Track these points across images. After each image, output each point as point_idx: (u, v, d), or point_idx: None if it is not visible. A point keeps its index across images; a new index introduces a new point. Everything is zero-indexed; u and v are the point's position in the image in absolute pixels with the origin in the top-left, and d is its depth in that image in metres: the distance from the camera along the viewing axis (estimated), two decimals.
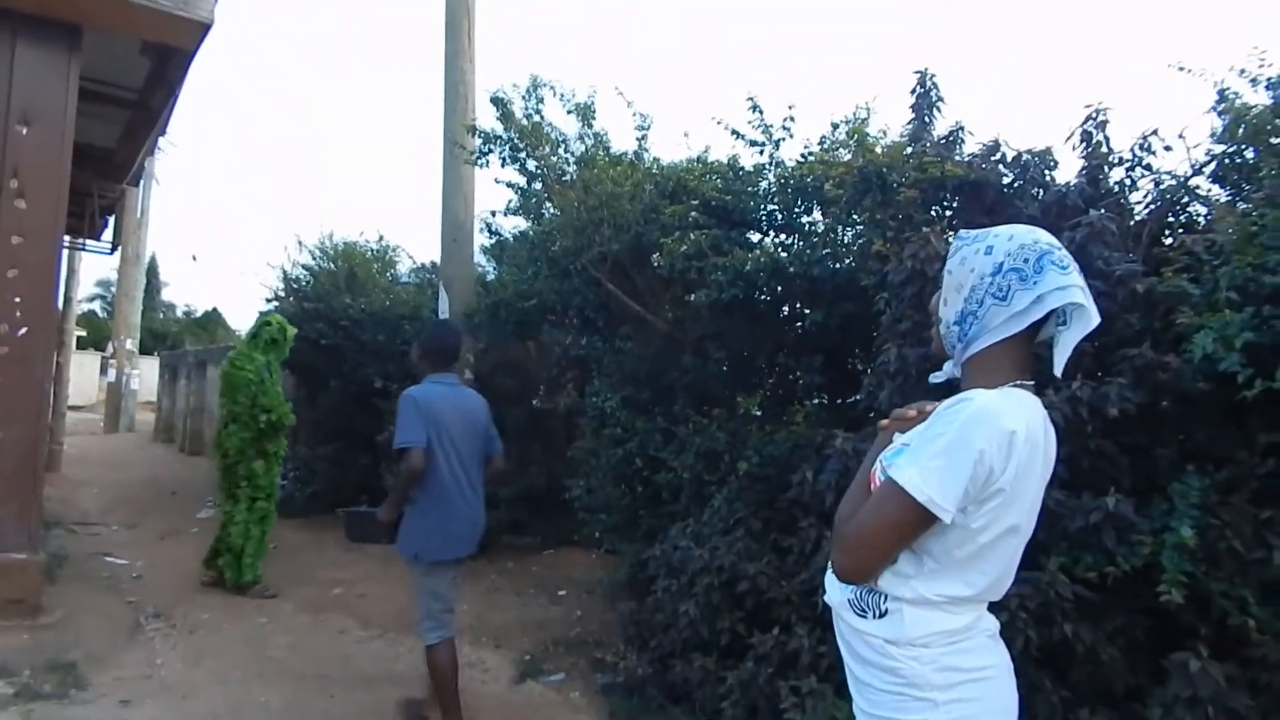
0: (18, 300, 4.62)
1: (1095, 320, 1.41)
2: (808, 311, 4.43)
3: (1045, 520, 2.77)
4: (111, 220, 10.07)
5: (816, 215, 4.69)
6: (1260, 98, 3.35)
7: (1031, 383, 1.43)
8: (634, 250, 4.91)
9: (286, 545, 7.03)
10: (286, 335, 5.93)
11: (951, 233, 3.77)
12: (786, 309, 4.75)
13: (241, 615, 5.01)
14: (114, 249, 10.73)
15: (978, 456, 1.29)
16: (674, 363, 4.94)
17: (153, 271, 37.39)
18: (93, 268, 48.92)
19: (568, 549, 6.62)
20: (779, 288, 4.42)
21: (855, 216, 4.19)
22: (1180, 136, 3.41)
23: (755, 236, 4.83)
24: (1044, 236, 1.42)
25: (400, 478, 3.45)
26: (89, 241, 10.17)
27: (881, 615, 1.40)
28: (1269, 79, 3.33)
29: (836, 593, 1.51)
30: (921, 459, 1.33)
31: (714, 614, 3.66)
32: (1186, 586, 2.47)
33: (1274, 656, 2.42)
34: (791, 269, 4.14)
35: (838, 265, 4.21)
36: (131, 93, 6.18)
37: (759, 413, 4.90)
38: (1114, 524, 2.66)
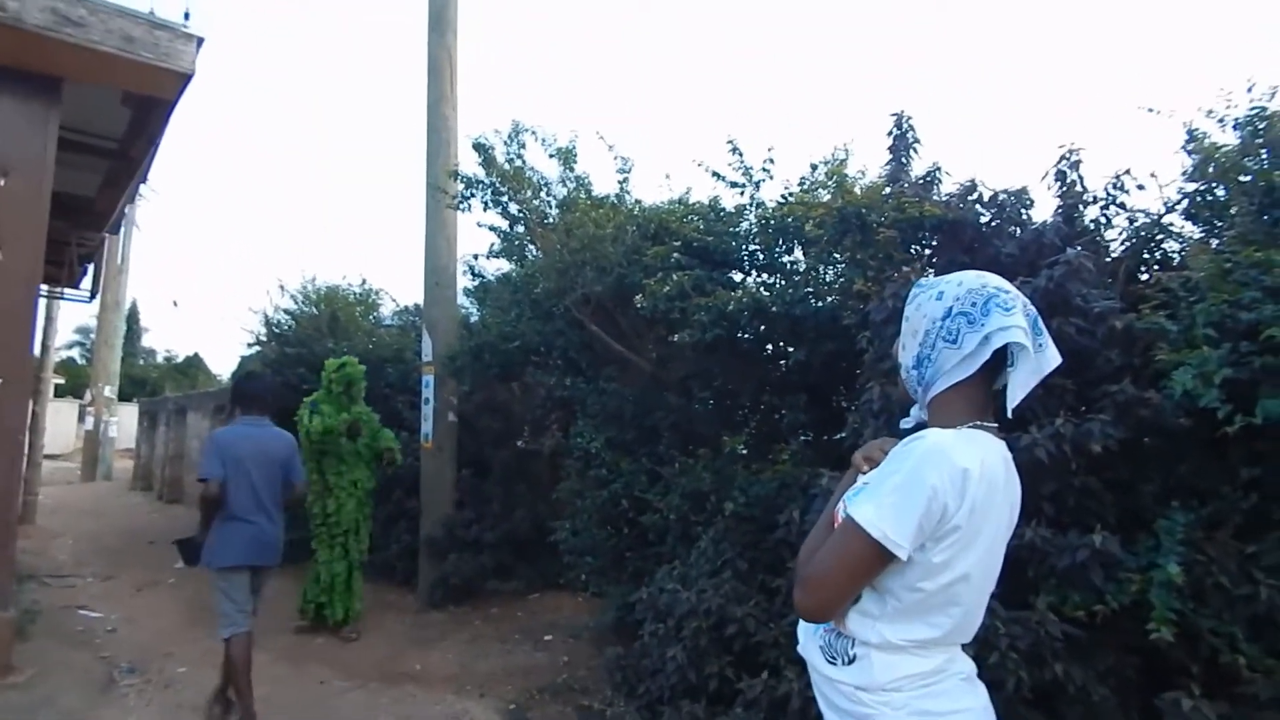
0: None
1: (1054, 362, 1.45)
2: (791, 350, 4.45)
3: (1032, 559, 2.79)
4: (91, 268, 10.00)
5: (798, 255, 4.73)
6: (1228, 137, 3.44)
7: (994, 425, 1.45)
8: (617, 291, 4.92)
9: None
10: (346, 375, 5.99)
11: (931, 271, 3.82)
12: (770, 348, 4.77)
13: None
14: (93, 297, 10.64)
15: (931, 494, 1.31)
16: (658, 403, 4.93)
17: (133, 318, 37.16)
18: (72, 314, 48.56)
19: (553, 593, 6.51)
20: (762, 327, 4.43)
21: (836, 256, 4.23)
22: (1152, 175, 3.49)
23: (737, 276, 4.86)
24: (992, 281, 1.46)
25: (200, 503, 4.17)
26: (67, 290, 10.08)
27: (850, 661, 1.41)
28: (1236, 119, 3.41)
29: (808, 642, 1.52)
30: (877, 497, 1.36)
31: (702, 658, 3.60)
32: (1176, 624, 2.46)
33: (1265, 694, 2.40)
34: (774, 308, 4.16)
35: (820, 304, 4.23)
36: (112, 142, 6.17)
37: (744, 452, 4.88)
38: (1101, 561, 2.66)
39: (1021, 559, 2.83)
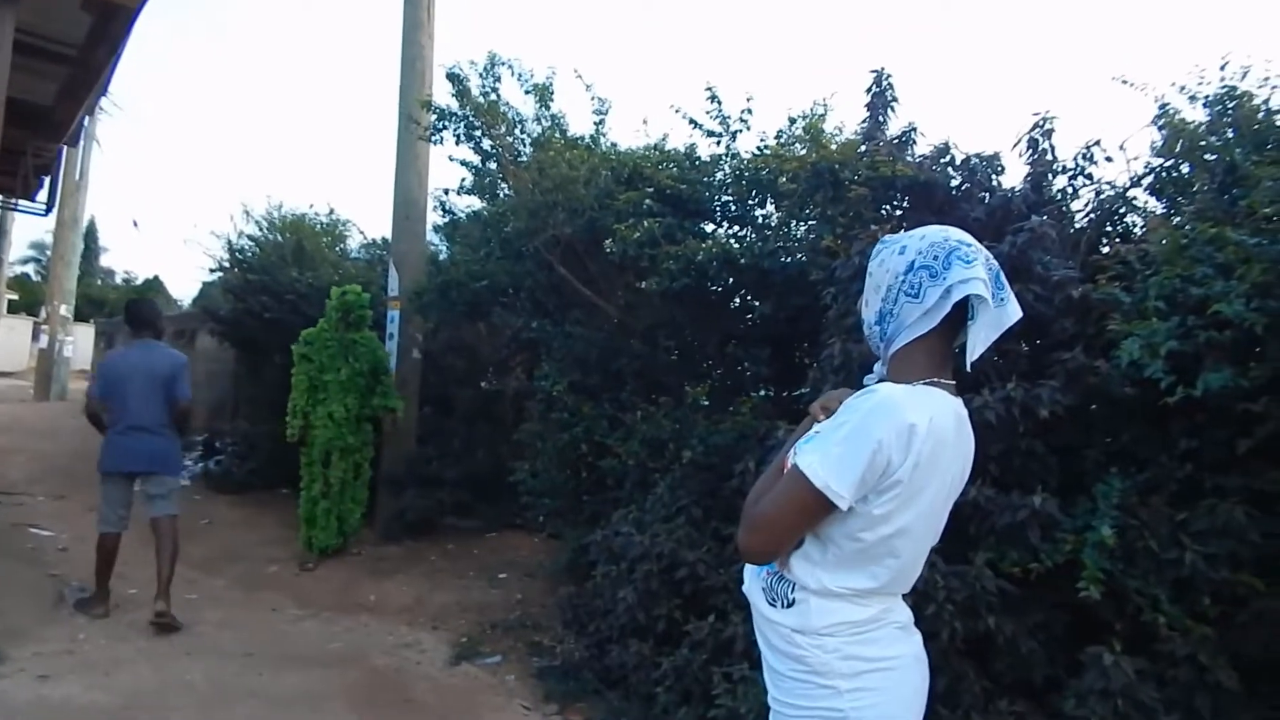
0: None
1: (1014, 316, 1.47)
2: (757, 303, 4.47)
3: (975, 516, 2.88)
4: (48, 181, 9.66)
5: (770, 208, 4.72)
6: (1198, 114, 3.47)
7: (951, 382, 1.47)
8: (587, 235, 4.88)
9: (222, 521, 6.89)
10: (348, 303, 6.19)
11: (901, 231, 3.85)
12: (737, 300, 4.79)
13: (171, 590, 4.88)
14: (49, 210, 10.28)
15: (876, 446, 1.33)
16: (623, 349, 4.94)
17: (91, 236, 36.14)
18: (27, 229, 47.02)
19: (511, 532, 6.59)
20: (730, 279, 4.44)
21: (807, 211, 4.23)
22: (1121, 148, 3.52)
23: (709, 227, 4.84)
24: (955, 234, 1.47)
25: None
26: (22, 202, 9.74)
27: (789, 605, 1.45)
28: (1207, 96, 3.44)
29: (753, 583, 1.56)
30: (824, 446, 1.38)
31: (652, 600, 3.68)
32: (1104, 583, 2.57)
33: (1181, 652, 2.52)
34: (743, 260, 4.16)
35: (788, 259, 4.24)
36: (71, 49, 5.91)
37: (706, 402, 4.93)
38: (1039, 521, 2.75)
39: (964, 516, 2.91)
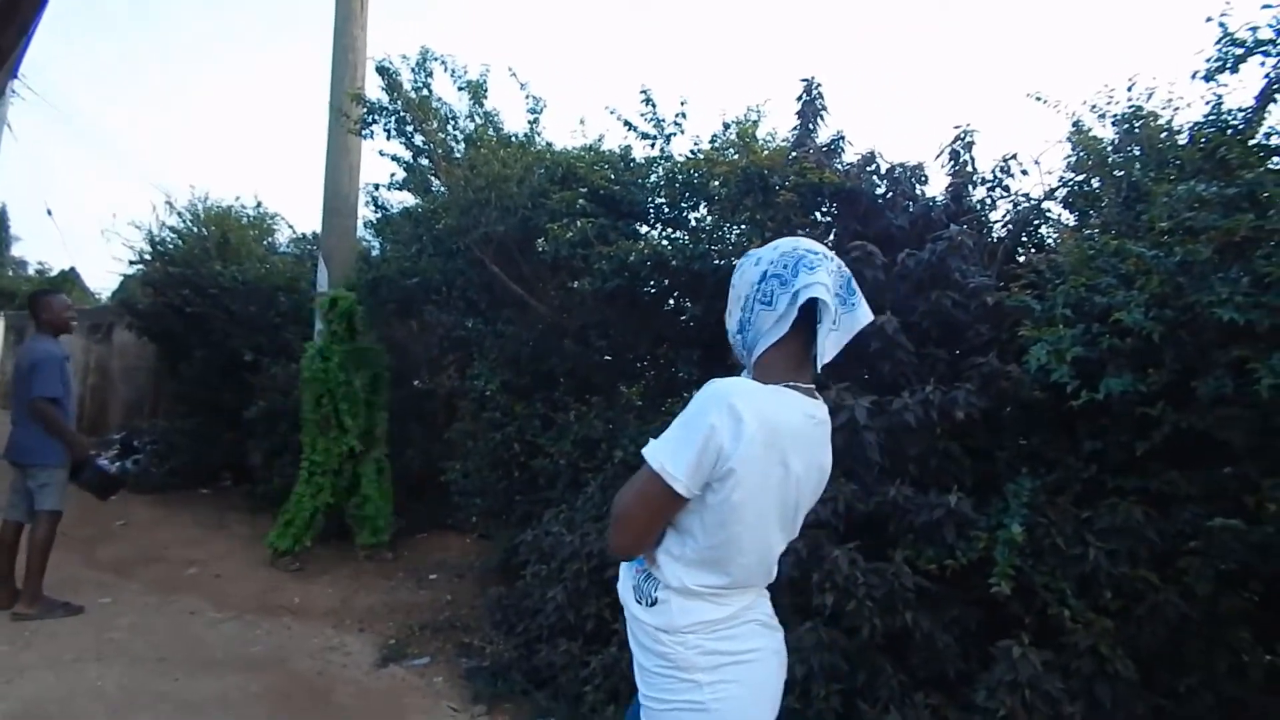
0: None
1: (863, 320, 1.55)
2: (689, 305, 4.51)
3: (894, 515, 2.97)
4: None
5: (703, 211, 4.77)
6: (1107, 132, 3.64)
7: (808, 385, 1.54)
8: (520, 234, 4.86)
9: (139, 522, 6.64)
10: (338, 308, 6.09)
11: (829, 238, 3.94)
12: (670, 302, 4.82)
13: (82, 595, 4.69)
14: None
15: (709, 431, 1.39)
16: (556, 349, 4.93)
17: (2, 224, 34.37)
18: None
19: (441, 533, 6.51)
20: (663, 280, 4.47)
21: (739, 215, 4.29)
22: (1036, 162, 3.68)
23: (642, 229, 4.86)
24: (804, 244, 1.53)
25: None
26: None
27: (653, 604, 1.52)
28: (1115, 115, 3.62)
29: (625, 583, 1.62)
30: (664, 434, 1.46)
31: (581, 599, 3.69)
32: (1014, 579, 2.68)
33: (1084, 644, 2.65)
34: (675, 262, 4.20)
35: (720, 262, 4.29)
36: None
37: (640, 403, 4.95)
38: (955, 520, 2.85)
39: (884, 515, 3.01)
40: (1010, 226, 3.77)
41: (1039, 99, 3.68)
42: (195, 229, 8.87)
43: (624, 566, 1.64)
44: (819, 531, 2.97)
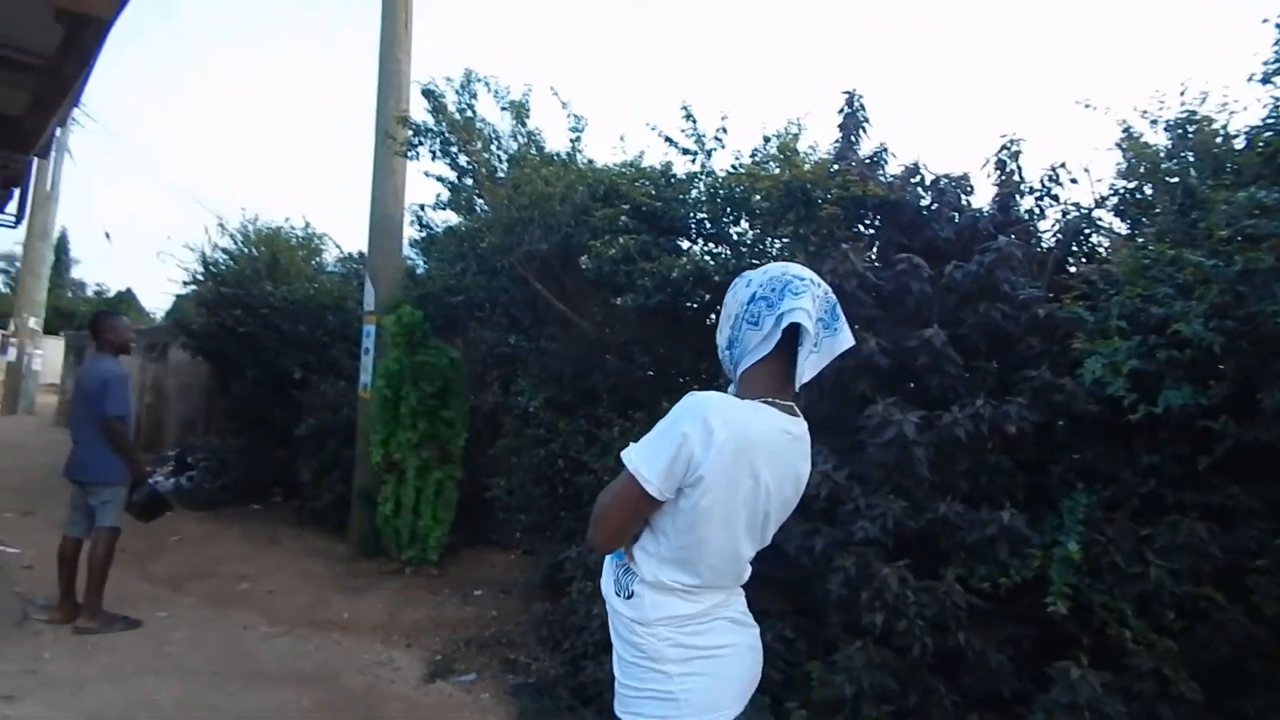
0: None
1: (843, 345, 1.63)
2: None
3: (945, 532, 2.92)
4: (17, 192, 9.52)
5: (744, 226, 4.77)
6: (1159, 138, 3.56)
7: (787, 402, 1.61)
8: (563, 251, 4.90)
9: (192, 538, 6.79)
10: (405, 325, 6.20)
11: (873, 250, 3.90)
12: (711, 316, 4.81)
13: (139, 609, 4.81)
14: (18, 222, 10.12)
15: (681, 439, 1.48)
16: (598, 365, 4.95)
17: (62, 248, 35.65)
18: None
19: (486, 548, 6.55)
20: (705, 295, 4.47)
21: (781, 229, 4.28)
22: (1086, 170, 3.61)
23: (684, 244, 4.87)
24: (793, 270, 1.62)
25: None
26: None
27: (630, 596, 1.61)
28: (1168, 121, 3.54)
29: (607, 577, 1.71)
30: (643, 439, 1.56)
31: None
32: (1071, 598, 2.62)
33: (1146, 665, 2.57)
34: (717, 277, 4.20)
35: None
36: (41, 60, 5.85)
37: None
38: (1008, 537, 2.79)
39: (934, 532, 2.96)
40: (1060, 236, 3.69)
41: (1088, 106, 3.61)
42: (246, 250, 9.12)
43: (607, 561, 1.71)
44: (868, 549, 2.93)
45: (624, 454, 1.55)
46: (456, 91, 5.68)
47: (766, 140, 5.12)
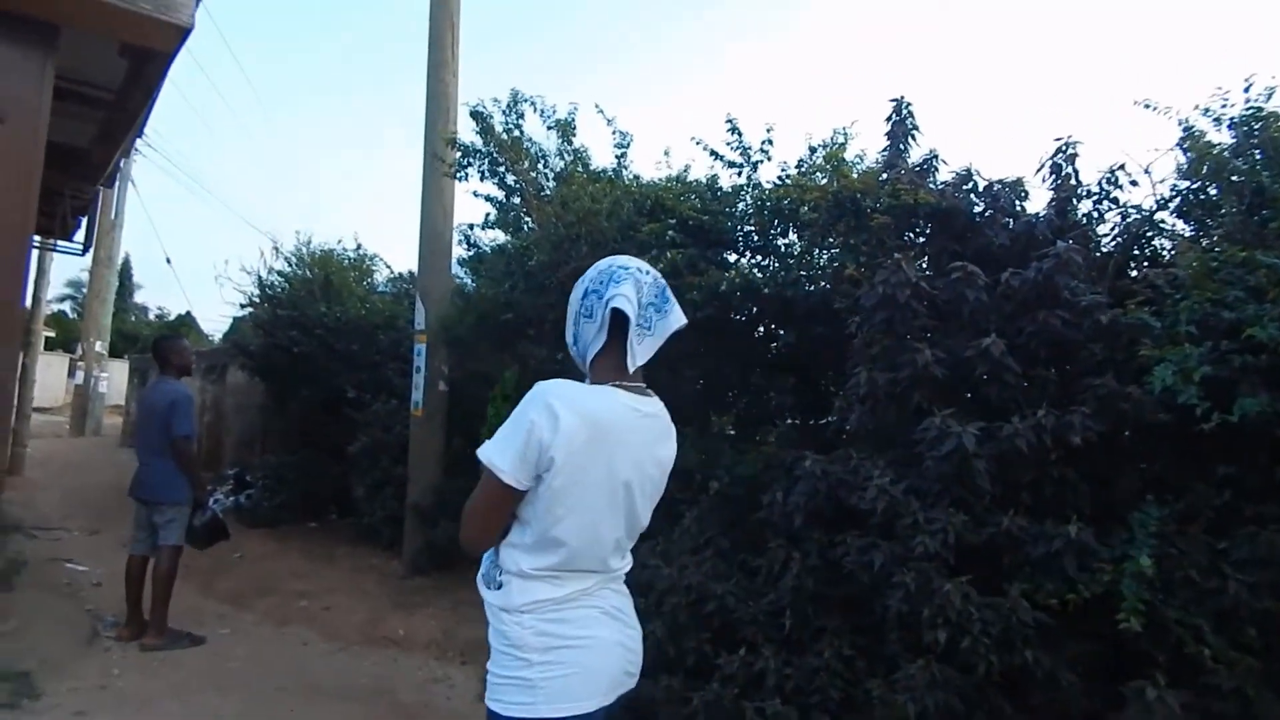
0: None
1: (674, 325, 1.71)
2: (781, 332, 4.46)
3: (1008, 546, 2.84)
4: (84, 221, 9.90)
5: (792, 237, 4.73)
6: (1223, 137, 3.44)
7: (636, 384, 1.69)
8: None
9: (253, 555, 6.94)
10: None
11: (924, 259, 3.84)
12: (760, 329, 4.78)
13: (202, 626, 4.93)
14: (86, 250, 10.53)
15: (529, 427, 1.54)
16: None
17: (125, 273, 36.87)
18: (64, 268, 48.19)
19: None
20: (753, 308, 4.44)
21: (830, 240, 4.23)
22: (1146, 171, 3.50)
23: (731, 257, 4.86)
24: (619, 261, 1.72)
25: None
26: (60, 242, 9.98)
27: (498, 587, 1.65)
28: (1231, 119, 3.42)
29: (480, 574, 1.74)
30: (495, 434, 1.61)
31: (681, 633, 3.65)
32: (1144, 615, 2.52)
33: (1227, 685, 2.46)
34: (766, 290, 4.17)
35: (811, 287, 4.24)
36: (108, 94, 6.08)
37: (731, 431, 4.90)
38: (1075, 551, 2.71)
39: (997, 546, 2.88)
40: (1120, 240, 3.59)
41: (1147, 106, 3.51)
42: (300, 272, 9.33)
43: (484, 558, 1.74)
44: (928, 564, 2.86)
45: (479, 451, 1.59)
46: (504, 112, 5.76)
47: (813, 150, 5.09)
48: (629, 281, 1.66)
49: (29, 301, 9.11)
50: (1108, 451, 2.92)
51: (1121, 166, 3.54)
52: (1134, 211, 3.56)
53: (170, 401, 4.76)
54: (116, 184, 15.34)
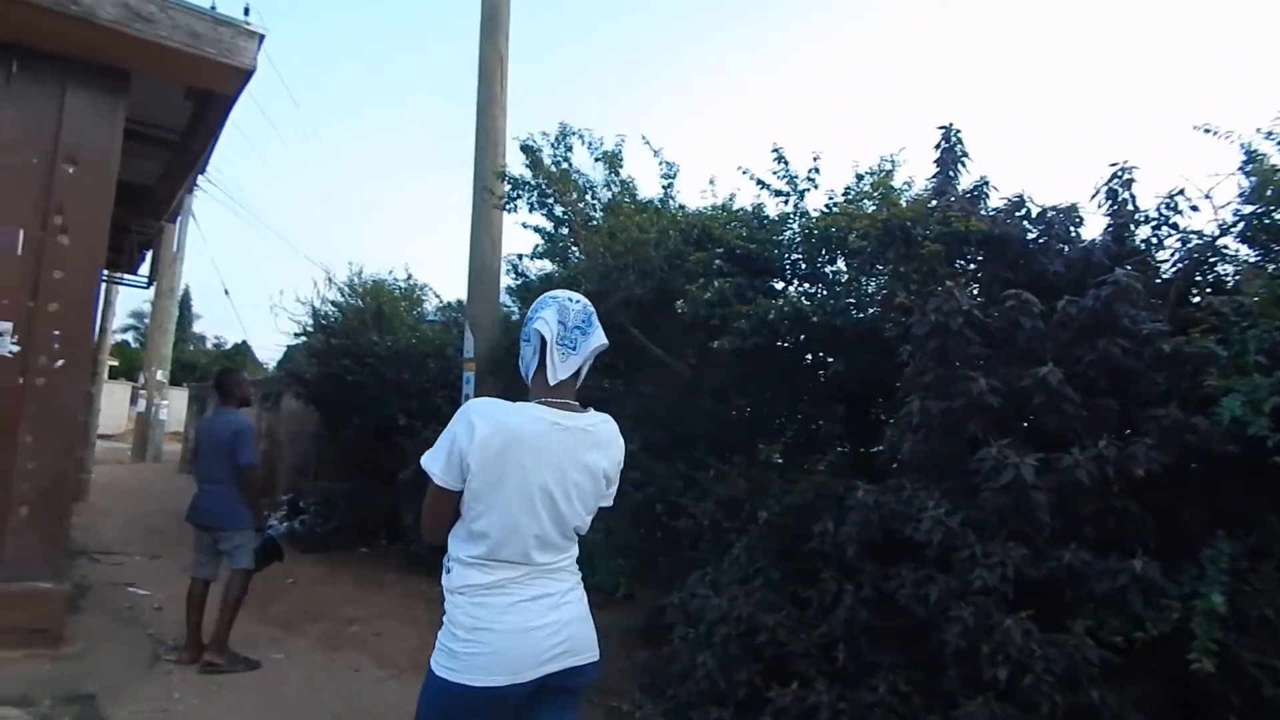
0: (56, 333, 4.73)
1: (594, 344, 1.99)
2: (829, 360, 4.43)
3: (1069, 581, 2.76)
4: (149, 255, 10.29)
5: (840, 265, 4.71)
6: None
7: (561, 400, 1.95)
8: (658, 296, 4.95)
9: (305, 580, 7.05)
10: None
11: (975, 286, 3.79)
12: (809, 357, 4.75)
13: (256, 650, 5.01)
14: (150, 283, 10.96)
15: (453, 438, 1.86)
16: (695, 408, 4.95)
17: (185, 304, 38.09)
18: (127, 298, 49.90)
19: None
20: (801, 336, 4.42)
21: (879, 268, 4.21)
22: (1207, 196, 3.42)
23: (779, 285, 4.85)
24: (550, 293, 2.02)
25: None
26: (126, 275, 10.40)
27: (448, 572, 1.94)
28: None
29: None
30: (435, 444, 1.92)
31: (731, 665, 3.61)
32: (1217, 655, 2.42)
33: None
34: (814, 318, 4.15)
35: (860, 315, 4.21)
36: (173, 134, 6.35)
37: (780, 460, 4.87)
38: (1141, 587, 2.63)
39: (1058, 581, 2.80)
40: (1181, 266, 3.50)
41: (1207, 130, 3.43)
42: (353, 301, 9.55)
43: None
44: (986, 599, 2.79)
45: (421, 459, 1.92)
46: (552, 145, 5.86)
47: (860, 178, 5.08)
48: (552, 308, 1.97)
49: (96, 333, 9.47)
50: (1174, 484, 2.83)
51: (1181, 191, 3.46)
52: (1195, 237, 3.48)
53: (234, 431, 4.92)
54: (179, 219, 15.91)
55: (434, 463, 1.88)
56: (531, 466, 1.85)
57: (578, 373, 2.01)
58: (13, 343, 4.64)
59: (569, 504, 1.92)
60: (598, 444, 1.98)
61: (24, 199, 4.73)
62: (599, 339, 2.01)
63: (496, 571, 1.87)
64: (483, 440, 1.81)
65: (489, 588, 1.86)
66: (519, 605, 1.86)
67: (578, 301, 2.00)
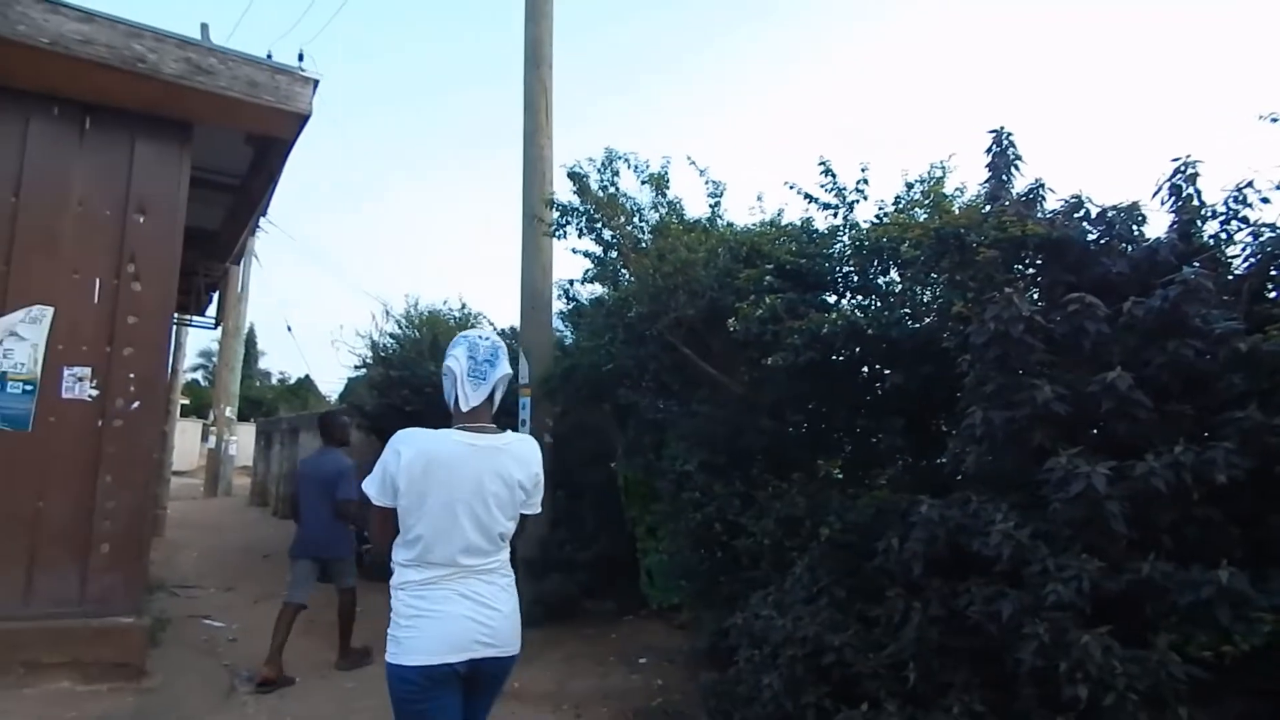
0: (131, 376, 4.94)
1: (503, 371, 2.39)
2: (886, 373, 4.36)
3: (1150, 594, 2.65)
4: (215, 296, 10.67)
5: (893, 276, 4.65)
6: None
7: (476, 424, 2.32)
8: (709, 315, 4.94)
9: (373, 608, 7.15)
10: None
11: (1035, 291, 3.69)
12: (865, 371, 4.68)
13: (330, 679, 5.10)
14: (217, 324, 11.36)
15: (384, 465, 2.24)
16: (751, 426, 4.90)
17: (251, 342, 39.33)
18: (196, 338, 51.64)
19: (647, 616, 6.53)
20: (856, 349, 4.36)
21: (933, 277, 4.13)
22: (1278, 188, 3.27)
23: (831, 298, 4.80)
24: (464, 334, 2.44)
25: None
26: (195, 317, 10.79)
27: (394, 573, 2.27)
28: None
29: None
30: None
31: (798, 687, 3.54)
32: None
33: None
34: (869, 330, 4.09)
35: (916, 326, 4.14)
36: (235, 179, 6.60)
37: (839, 476, 4.78)
38: (1228, 599, 2.50)
39: (1137, 594, 2.69)
40: (1254, 261, 3.35)
41: (1274, 119, 3.30)
42: (410, 333, 9.75)
43: None
44: (1062, 614, 2.69)
45: (363, 483, 2.30)
46: (599, 170, 5.93)
47: (909, 186, 5.02)
48: (463, 345, 2.36)
49: (169, 374, 9.83)
50: (1258, 490, 2.70)
51: (1250, 183, 3.33)
52: (1267, 230, 3.33)
53: (337, 470, 5.45)
54: (242, 260, 16.47)
55: (372, 486, 2.26)
56: (451, 482, 2.21)
57: (490, 398, 2.37)
58: (92, 387, 4.86)
59: (488, 512, 2.26)
60: (514, 459, 2.33)
61: (98, 249, 4.97)
62: (504, 369, 2.39)
63: (427, 571, 2.21)
64: (407, 464, 2.18)
65: (422, 584, 2.20)
66: (450, 598, 2.20)
67: (486, 339, 2.40)
